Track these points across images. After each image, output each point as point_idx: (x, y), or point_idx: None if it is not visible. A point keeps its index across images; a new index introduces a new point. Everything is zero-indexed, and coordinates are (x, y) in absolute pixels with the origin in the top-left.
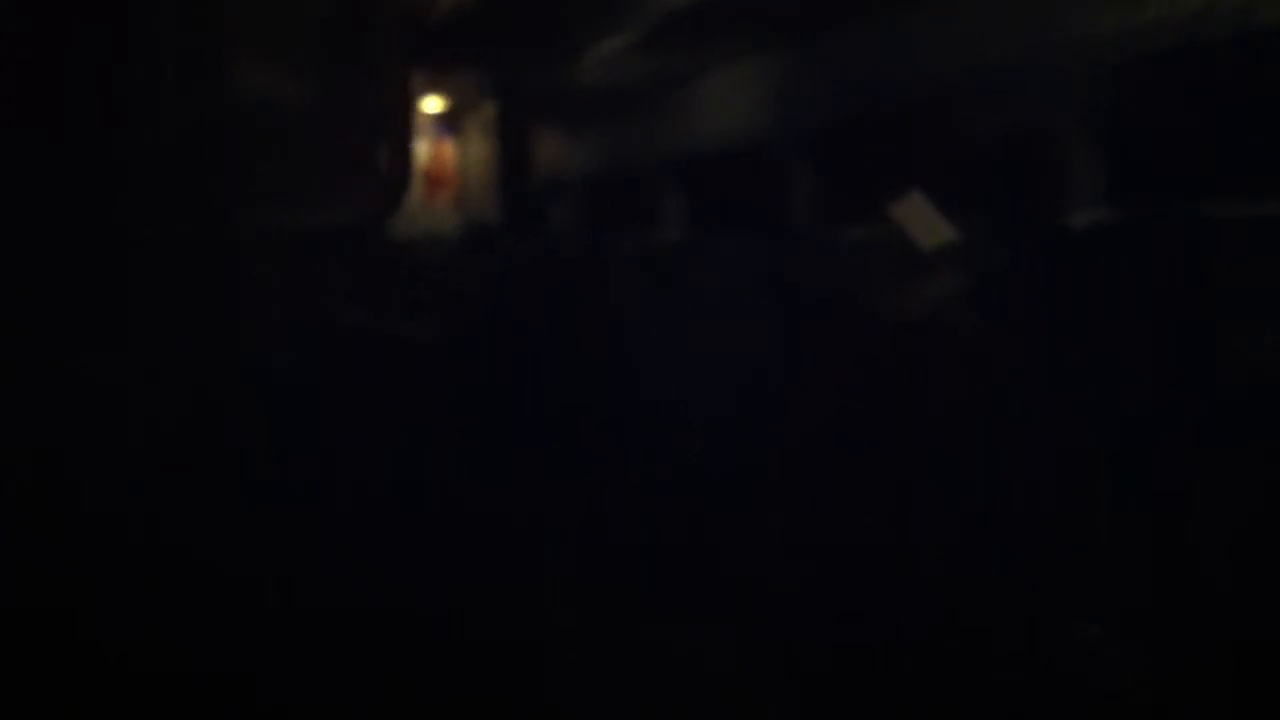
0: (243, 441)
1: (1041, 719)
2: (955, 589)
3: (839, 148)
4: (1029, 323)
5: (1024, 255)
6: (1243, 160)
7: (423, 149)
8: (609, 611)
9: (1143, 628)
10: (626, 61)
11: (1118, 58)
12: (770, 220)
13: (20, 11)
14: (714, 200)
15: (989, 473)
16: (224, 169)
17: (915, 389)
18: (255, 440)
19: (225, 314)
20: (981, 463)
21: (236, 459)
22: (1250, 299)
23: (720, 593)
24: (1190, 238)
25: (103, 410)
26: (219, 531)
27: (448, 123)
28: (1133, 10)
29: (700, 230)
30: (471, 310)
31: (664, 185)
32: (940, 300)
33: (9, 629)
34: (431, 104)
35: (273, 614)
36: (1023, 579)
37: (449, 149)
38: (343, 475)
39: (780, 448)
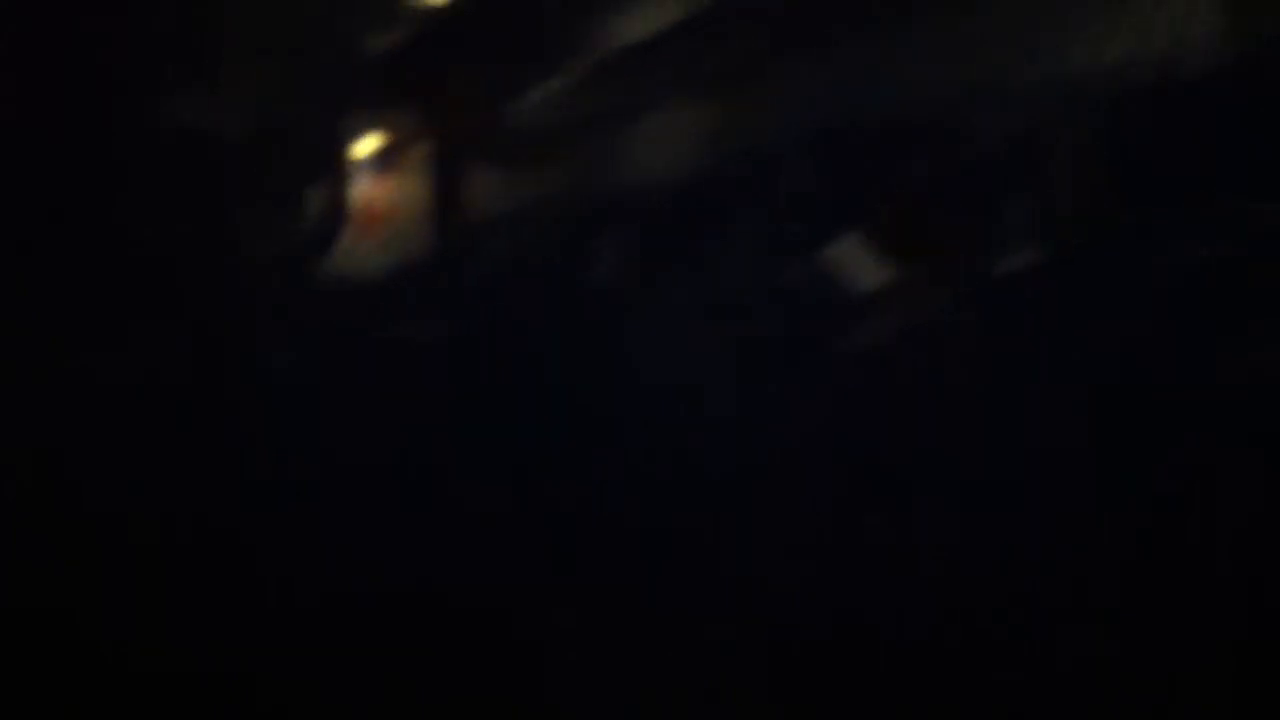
0: (242, 441)
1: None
2: (952, 590)
3: (786, 181)
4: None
5: (974, 292)
6: (1219, 191)
7: (355, 190)
8: (609, 611)
9: (1142, 628)
10: (563, 103)
11: (1098, 88)
12: (718, 258)
13: (26, 17)
14: (650, 242)
15: (985, 479)
16: (225, 170)
17: (906, 398)
18: (253, 439)
19: (225, 315)
20: (977, 470)
21: (236, 458)
22: (1239, 322)
23: (719, 593)
24: (1171, 263)
25: (103, 410)
26: (219, 532)
27: (380, 163)
28: (1109, 44)
29: (641, 271)
30: (466, 312)
31: (599, 225)
32: (887, 338)
33: (9, 629)
34: (364, 145)
35: (272, 614)
36: (1021, 582)
37: (381, 189)
38: (341, 473)
39: (768, 459)
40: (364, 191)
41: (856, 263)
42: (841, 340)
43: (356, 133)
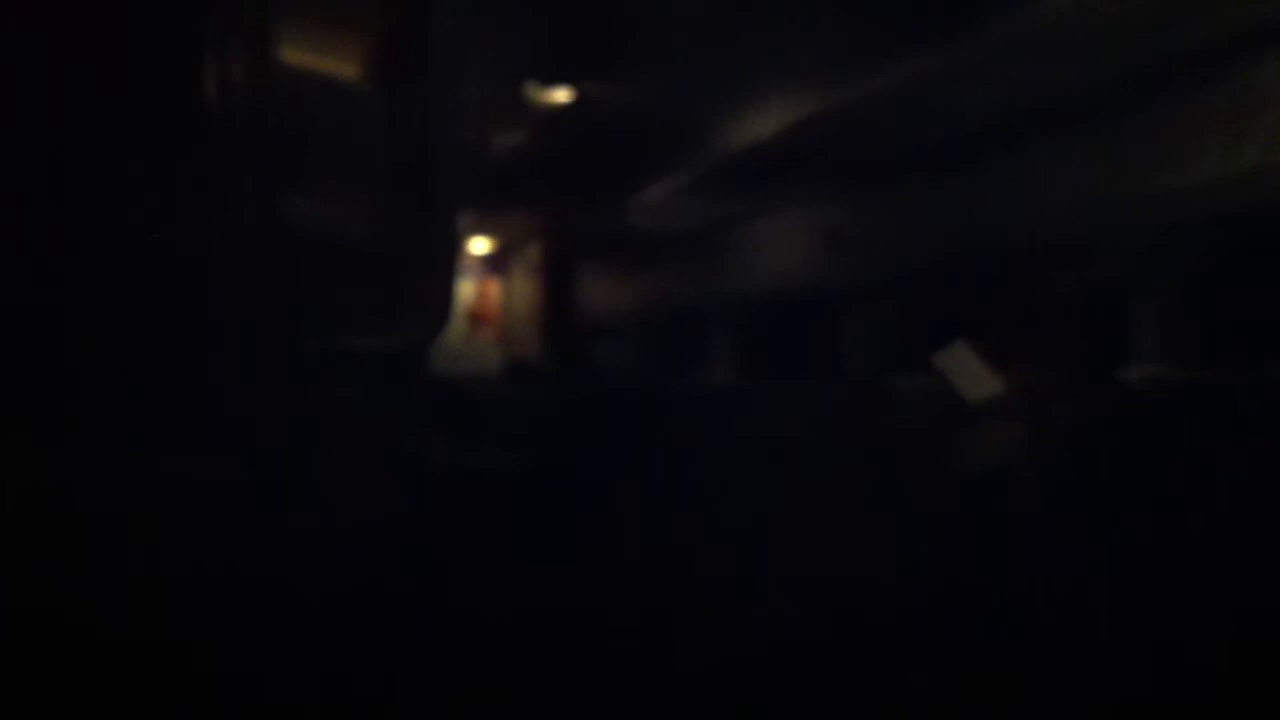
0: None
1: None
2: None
3: (895, 295)
4: (1087, 476)
5: (1083, 409)
6: None
7: (468, 288)
8: None
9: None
10: (675, 206)
11: (1186, 217)
12: (822, 368)
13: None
14: (763, 347)
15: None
16: (294, 293)
17: (972, 539)
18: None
19: (292, 435)
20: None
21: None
22: None
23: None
24: (1253, 399)
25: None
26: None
27: (494, 263)
28: (1197, 168)
29: (748, 376)
30: (529, 444)
31: (709, 330)
32: (997, 452)
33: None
34: (479, 244)
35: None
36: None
37: (494, 288)
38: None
39: (828, 594)
40: (478, 289)
41: (964, 371)
42: (941, 451)
43: (473, 231)
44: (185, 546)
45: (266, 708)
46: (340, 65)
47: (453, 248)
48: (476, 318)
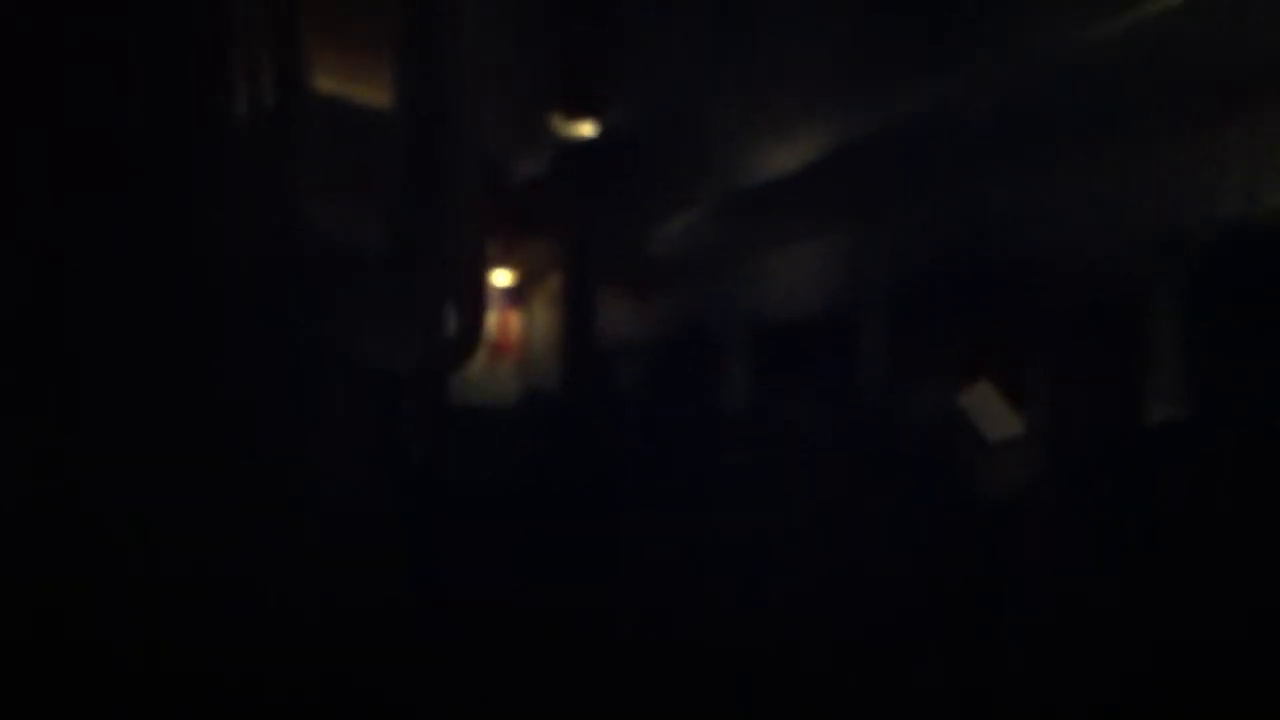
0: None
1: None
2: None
3: (909, 327)
4: (1104, 509)
5: (1099, 443)
6: None
7: (490, 318)
8: None
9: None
10: (697, 235)
11: (1202, 238)
12: (839, 395)
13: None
14: (782, 375)
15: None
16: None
17: (989, 568)
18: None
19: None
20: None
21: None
22: None
23: None
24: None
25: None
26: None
27: (515, 293)
28: (1216, 189)
29: (763, 400)
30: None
31: (731, 360)
32: (1013, 482)
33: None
34: (500, 275)
35: None
36: None
37: (515, 318)
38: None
39: (846, 621)
40: (499, 320)
41: (986, 410)
42: (969, 488)
43: (495, 261)
44: (186, 547)
45: (266, 709)
46: (362, 86)
47: (479, 273)
48: (497, 348)
